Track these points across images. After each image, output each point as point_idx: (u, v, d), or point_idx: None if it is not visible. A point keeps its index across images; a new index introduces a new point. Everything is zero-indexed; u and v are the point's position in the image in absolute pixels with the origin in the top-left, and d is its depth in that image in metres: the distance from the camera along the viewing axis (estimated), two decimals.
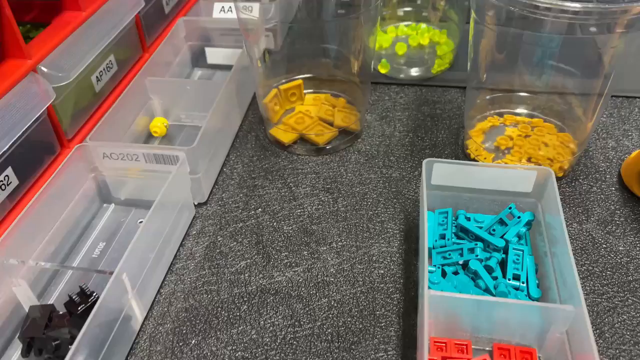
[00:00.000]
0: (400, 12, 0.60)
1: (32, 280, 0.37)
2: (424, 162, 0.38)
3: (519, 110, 0.49)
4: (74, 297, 0.34)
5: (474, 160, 0.47)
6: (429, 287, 0.35)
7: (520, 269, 0.36)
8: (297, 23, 0.53)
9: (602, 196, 0.44)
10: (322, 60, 0.53)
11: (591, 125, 0.44)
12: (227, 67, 0.59)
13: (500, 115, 0.49)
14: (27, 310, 0.36)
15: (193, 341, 0.36)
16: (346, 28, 0.49)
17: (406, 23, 0.60)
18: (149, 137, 0.51)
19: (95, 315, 0.30)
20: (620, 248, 0.40)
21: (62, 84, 0.44)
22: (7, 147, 0.39)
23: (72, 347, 0.29)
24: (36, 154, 0.44)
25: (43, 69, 0.44)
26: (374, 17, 0.46)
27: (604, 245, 0.40)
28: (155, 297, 0.38)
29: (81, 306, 0.34)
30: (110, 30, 0.50)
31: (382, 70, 0.57)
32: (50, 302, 0.38)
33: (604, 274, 0.38)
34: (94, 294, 0.34)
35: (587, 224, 0.41)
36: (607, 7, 0.34)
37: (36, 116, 0.42)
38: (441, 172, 0.39)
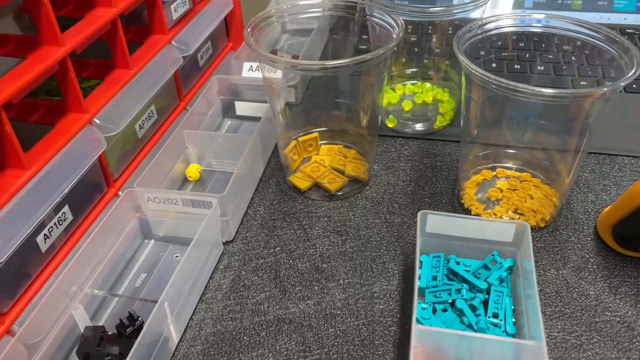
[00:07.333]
0: (407, 72, 0.67)
1: (86, 304, 0.44)
2: (419, 213, 0.45)
3: (509, 165, 0.55)
4: (124, 320, 0.41)
5: (467, 209, 0.53)
6: (419, 322, 0.41)
7: (500, 308, 0.42)
8: (314, 88, 0.60)
9: (578, 245, 0.50)
10: (336, 113, 0.60)
11: (569, 180, 0.50)
12: (253, 119, 0.66)
13: (493, 169, 0.55)
14: (82, 330, 0.43)
15: None
16: (357, 86, 0.56)
17: (412, 82, 0.67)
18: (184, 181, 0.58)
19: (143, 336, 0.37)
20: (591, 292, 0.46)
21: (112, 134, 0.52)
22: (68, 188, 0.46)
23: None
24: (88, 192, 0.51)
25: (97, 121, 0.51)
26: (383, 79, 0.53)
27: (576, 290, 0.46)
28: (188, 323, 0.45)
29: (129, 328, 0.40)
30: (153, 85, 0.57)
31: (390, 125, 0.64)
32: (101, 323, 0.45)
33: (574, 314, 0.44)
34: (139, 318, 0.41)
35: (563, 270, 0.47)
36: (574, 92, 0.40)
37: (91, 162, 0.49)
38: (434, 222, 0.46)
